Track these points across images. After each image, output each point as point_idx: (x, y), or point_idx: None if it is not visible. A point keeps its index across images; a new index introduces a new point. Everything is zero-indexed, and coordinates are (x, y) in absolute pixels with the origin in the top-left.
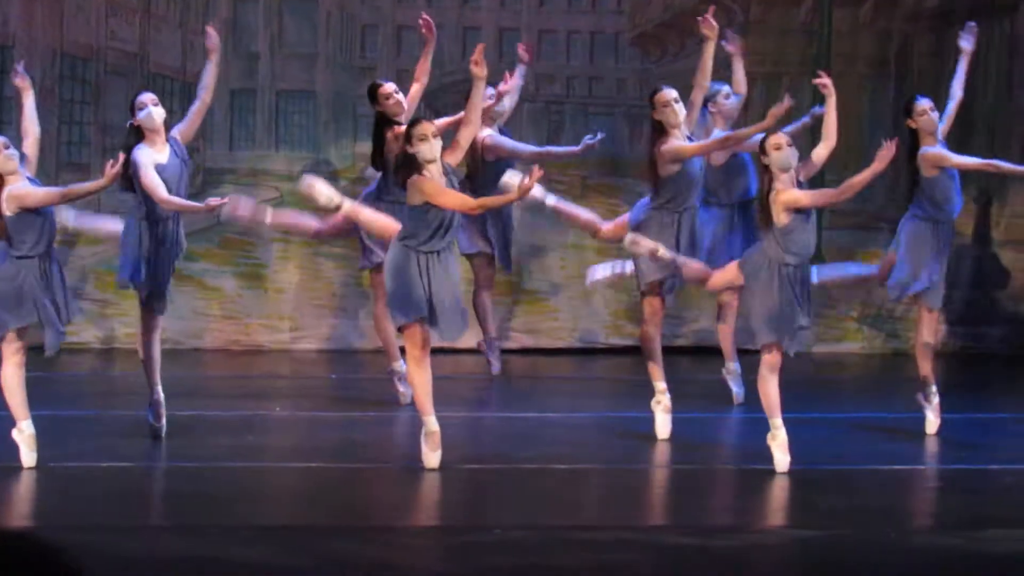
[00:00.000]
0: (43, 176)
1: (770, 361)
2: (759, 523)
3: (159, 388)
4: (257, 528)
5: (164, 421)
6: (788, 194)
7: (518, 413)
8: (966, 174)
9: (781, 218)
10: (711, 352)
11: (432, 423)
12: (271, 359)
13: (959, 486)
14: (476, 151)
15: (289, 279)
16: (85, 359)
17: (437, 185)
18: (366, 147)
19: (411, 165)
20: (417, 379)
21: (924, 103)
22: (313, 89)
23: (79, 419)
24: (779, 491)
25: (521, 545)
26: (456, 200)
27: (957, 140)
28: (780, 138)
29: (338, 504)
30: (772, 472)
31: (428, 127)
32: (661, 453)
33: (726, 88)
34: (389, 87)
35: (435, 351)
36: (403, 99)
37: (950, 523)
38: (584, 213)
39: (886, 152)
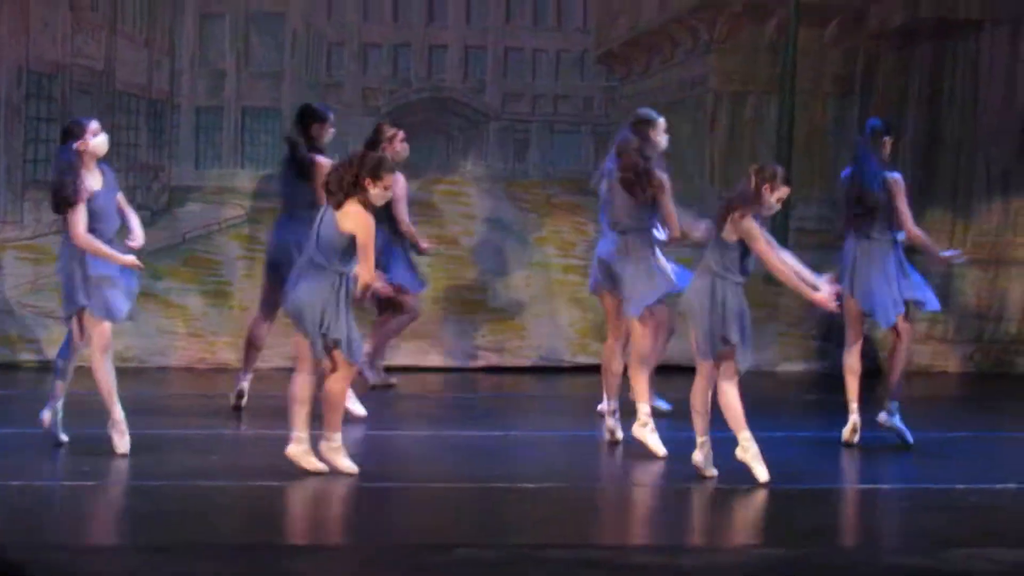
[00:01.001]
0: (9, 194)
1: (707, 375)
2: (728, 542)
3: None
4: (221, 547)
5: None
6: (751, 227)
7: (484, 432)
8: (932, 193)
9: (731, 236)
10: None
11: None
12: (236, 377)
13: (926, 505)
14: None
15: (254, 297)
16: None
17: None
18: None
19: (364, 197)
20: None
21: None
22: (279, 107)
23: (40, 437)
24: (747, 510)
25: (485, 563)
26: (369, 261)
27: (922, 160)
28: (785, 193)
29: (302, 523)
30: (740, 490)
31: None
32: (628, 471)
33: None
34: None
35: (400, 369)
36: None
37: (918, 542)
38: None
39: (822, 300)
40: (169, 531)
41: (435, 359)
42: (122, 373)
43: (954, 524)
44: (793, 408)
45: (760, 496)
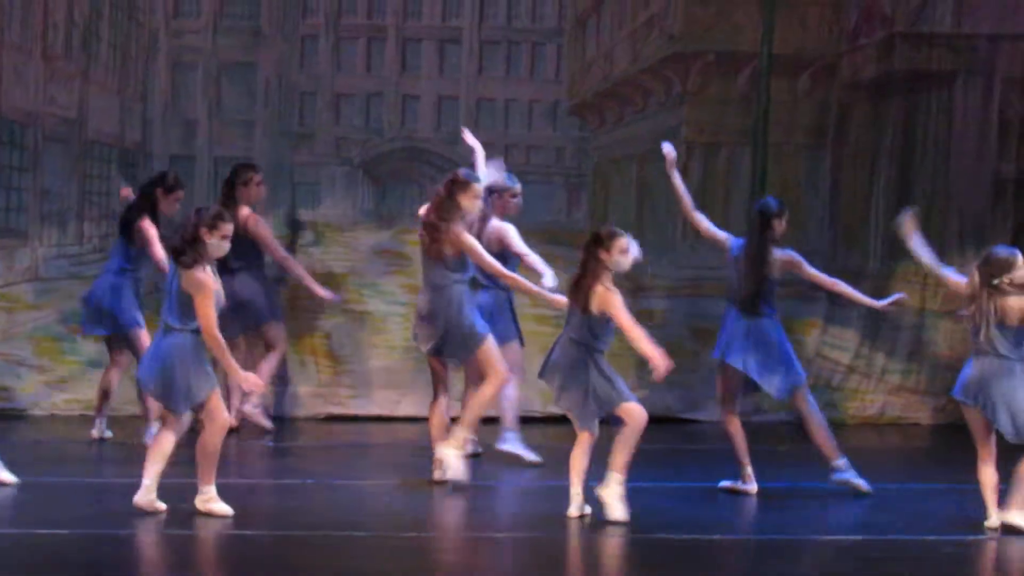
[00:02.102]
0: None
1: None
2: None
3: None
4: None
5: None
6: (611, 298)
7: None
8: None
9: (595, 310)
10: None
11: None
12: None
13: (897, 555)
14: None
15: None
16: (15, 424)
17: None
18: (306, 214)
19: (198, 253)
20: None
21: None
22: (251, 156)
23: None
24: (720, 560)
25: None
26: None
27: (895, 212)
28: (627, 243)
29: (274, 572)
30: (713, 541)
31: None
32: (602, 522)
33: (518, 187)
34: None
35: (372, 419)
36: None
37: None
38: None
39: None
40: None
41: (407, 408)
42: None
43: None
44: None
45: (732, 547)
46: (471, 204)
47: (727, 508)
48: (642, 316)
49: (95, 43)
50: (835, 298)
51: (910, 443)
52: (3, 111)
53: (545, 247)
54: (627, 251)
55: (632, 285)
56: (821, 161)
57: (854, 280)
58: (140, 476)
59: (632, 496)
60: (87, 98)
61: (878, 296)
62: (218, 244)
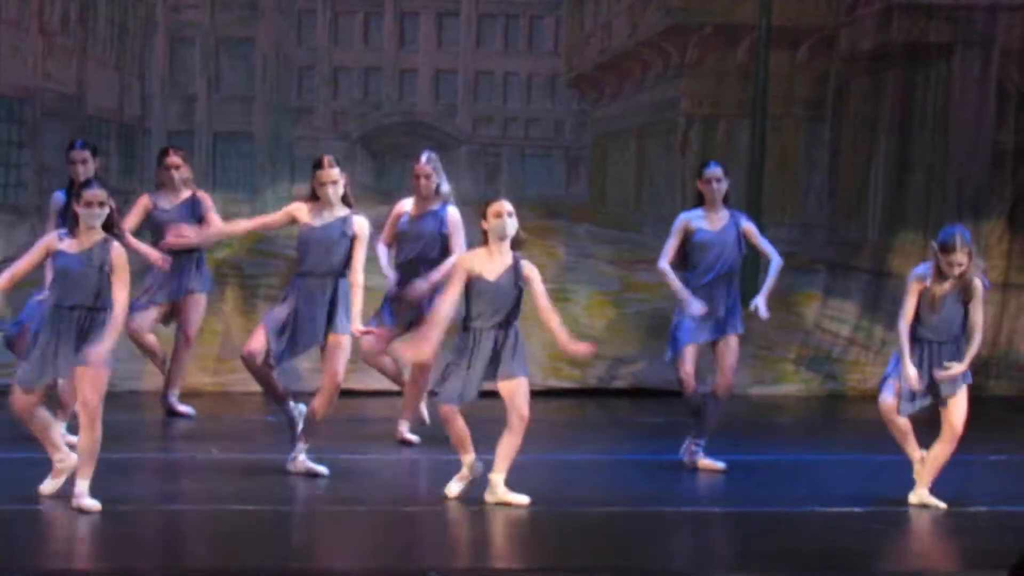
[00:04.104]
0: None
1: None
2: (697, 566)
3: None
4: (194, 571)
5: None
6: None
7: (452, 455)
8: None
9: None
10: (649, 394)
11: None
12: (208, 401)
13: (896, 527)
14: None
15: (225, 321)
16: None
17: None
18: (304, 189)
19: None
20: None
21: (714, 171)
22: (250, 131)
23: (7, 462)
24: (719, 534)
25: None
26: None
27: (893, 184)
28: (502, 207)
29: (274, 547)
30: (713, 515)
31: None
32: (607, 496)
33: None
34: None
35: (370, 394)
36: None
37: (888, 564)
38: None
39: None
40: (139, 556)
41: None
42: None
43: (925, 545)
44: (769, 432)
45: (731, 520)
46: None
47: (720, 480)
48: (639, 288)
49: (93, 18)
50: (835, 270)
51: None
52: (1, 87)
53: (544, 221)
54: (500, 215)
55: (632, 257)
56: (820, 133)
57: (853, 252)
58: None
59: (628, 470)
60: (85, 73)
61: (880, 267)
62: (85, 212)
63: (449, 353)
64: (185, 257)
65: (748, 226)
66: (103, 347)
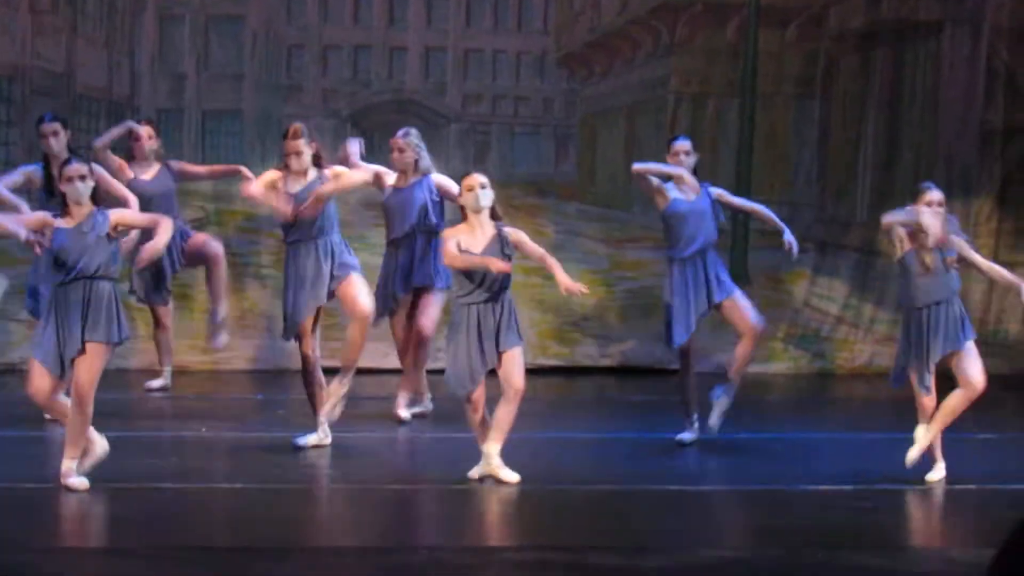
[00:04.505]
0: None
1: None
2: (686, 543)
3: None
4: (183, 549)
5: None
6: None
7: (443, 434)
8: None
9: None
10: (637, 372)
11: None
12: (197, 379)
13: (888, 505)
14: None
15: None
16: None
17: None
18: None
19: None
20: None
21: (682, 144)
22: (240, 108)
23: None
24: (709, 511)
25: (449, 564)
26: None
27: (883, 161)
28: (474, 179)
29: (264, 525)
30: (702, 493)
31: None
32: (596, 474)
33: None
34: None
35: (360, 372)
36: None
37: (874, 542)
38: None
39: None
40: (130, 534)
41: (394, 361)
42: None
43: (911, 523)
44: (759, 410)
45: (722, 498)
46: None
47: (710, 458)
48: (628, 267)
49: None
50: (824, 248)
51: (898, 393)
52: None
53: (533, 199)
54: (473, 188)
55: (621, 235)
56: (809, 112)
57: (842, 231)
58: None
59: (617, 448)
60: (74, 52)
61: (868, 246)
62: (69, 188)
63: (447, 333)
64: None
65: (719, 191)
66: (158, 243)
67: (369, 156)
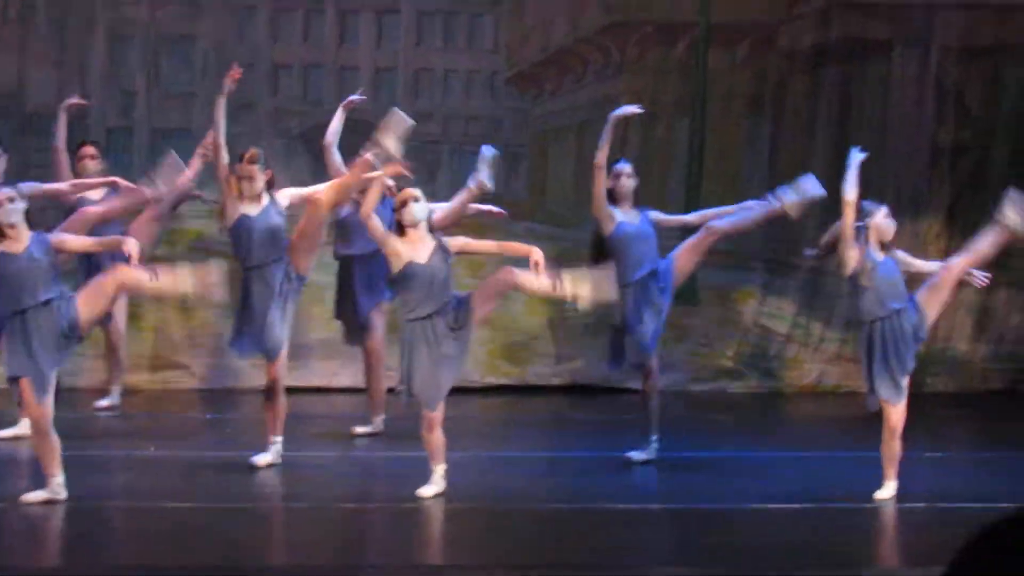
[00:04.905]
0: None
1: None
2: (638, 562)
3: None
4: (125, 568)
5: None
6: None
7: (393, 452)
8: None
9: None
10: (588, 391)
11: None
12: (146, 398)
13: (838, 524)
14: None
15: (164, 318)
16: None
17: None
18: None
19: None
20: None
21: (624, 167)
22: (190, 127)
23: None
24: (659, 530)
25: None
26: None
27: (833, 181)
28: (407, 193)
29: (211, 544)
30: (652, 511)
31: None
32: (547, 493)
33: None
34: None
35: (311, 391)
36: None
37: (830, 561)
38: None
39: None
40: (78, 553)
41: (344, 379)
42: None
43: (867, 541)
44: (709, 429)
45: (673, 517)
46: None
47: (661, 477)
48: None
49: (32, 15)
50: (773, 268)
51: (847, 411)
52: None
53: (483, 218)
54: (406, 202)
55: (572, 255)
56: (759, 130)
57: (791, 249)
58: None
59: (568, 467)
60: (25, 70)
61: (817, 265)
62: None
63: (403, 352)
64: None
65: (655, 214)
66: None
67: (319, 176)
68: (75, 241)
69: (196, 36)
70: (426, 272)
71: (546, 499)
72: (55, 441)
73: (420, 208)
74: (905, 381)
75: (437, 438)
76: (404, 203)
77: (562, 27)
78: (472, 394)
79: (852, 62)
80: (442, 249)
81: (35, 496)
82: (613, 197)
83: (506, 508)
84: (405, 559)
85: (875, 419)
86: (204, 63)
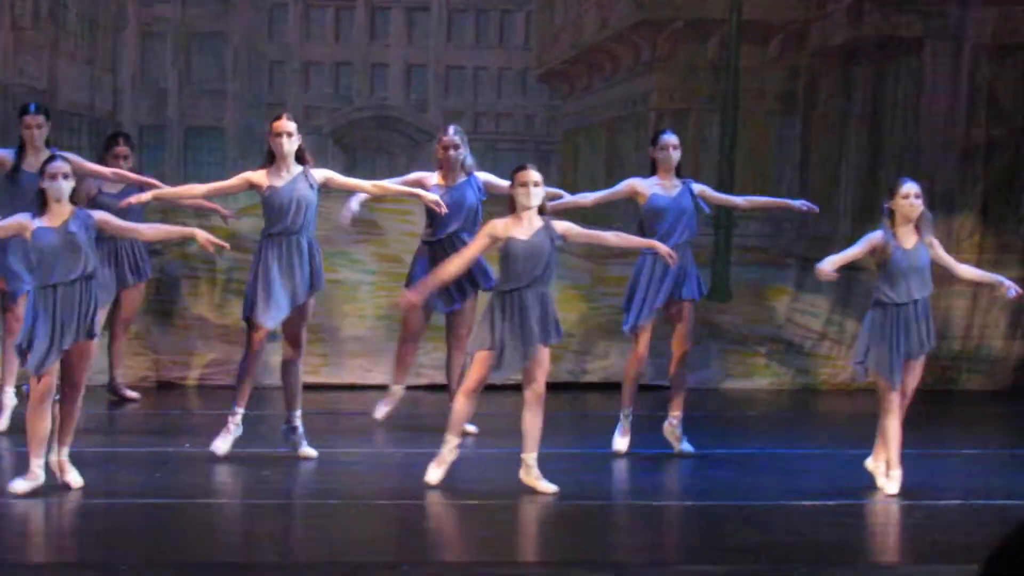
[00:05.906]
0: None
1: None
2: (669, 559)
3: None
4: (167, 565)
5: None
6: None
7: (426, 449)
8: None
9: None
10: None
11: None
12: (181, 395)
13: (867, 521)
14: None
15: (197, 315)
16: None
17: None
18: None
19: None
20: None
21: (669, 138)
22: (221, 125)
23: None
24: (687, 527)
25: None
26: None
27: (865, 178)
28: (527, 176)
29: (248, 540)
30: (685, 508)
31: None
32: (579, 490)
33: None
34: None
35: (343, 388)
36: None
37: (860, 558)
38: None
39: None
40: (115, 549)
41: (377, 377)
42: None
43: (893, 538)
44: (741, 426)
45: (702, 513)
46: None
47: (693, 474)
48: (610, 282)
49: (64, 13)
50: (806, 264)
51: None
52: None
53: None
54: (526, 183)
55: (603, 251)
56: (790, 127)
57: (824, 246)
58: None
59: (598, 463)
60: (56, 69)
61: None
62: (51, 185)
63: (483, 318)
64: (123, 248)
65: (701, 187)
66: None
67: (350, 173)
68: (129, 227)
69: (227, 33)
70: (524, 248)
71: (577, 496)
72: (46, 422)
73: (536, 194)
74: (901, 364)
75: (465, 407)
76: (523, 184)
77: (593, 24)
78: (504, 391)
79: (884, 59)
80: (548, 228)
81: (21, 487)
82: (655, 168)
83: (538, 504)
84: (438, 556)
85: (910, 417)
86: (235, 61)
